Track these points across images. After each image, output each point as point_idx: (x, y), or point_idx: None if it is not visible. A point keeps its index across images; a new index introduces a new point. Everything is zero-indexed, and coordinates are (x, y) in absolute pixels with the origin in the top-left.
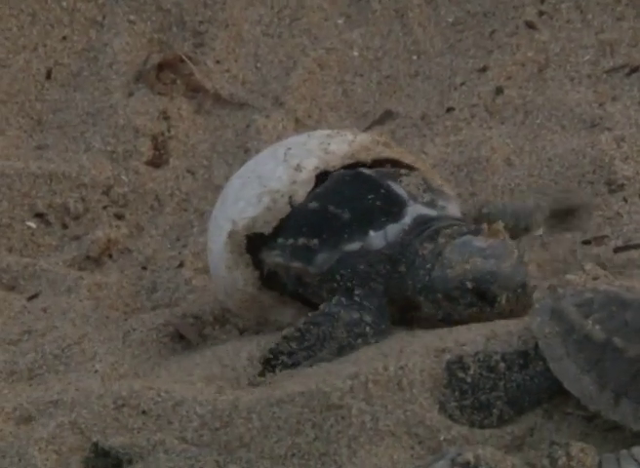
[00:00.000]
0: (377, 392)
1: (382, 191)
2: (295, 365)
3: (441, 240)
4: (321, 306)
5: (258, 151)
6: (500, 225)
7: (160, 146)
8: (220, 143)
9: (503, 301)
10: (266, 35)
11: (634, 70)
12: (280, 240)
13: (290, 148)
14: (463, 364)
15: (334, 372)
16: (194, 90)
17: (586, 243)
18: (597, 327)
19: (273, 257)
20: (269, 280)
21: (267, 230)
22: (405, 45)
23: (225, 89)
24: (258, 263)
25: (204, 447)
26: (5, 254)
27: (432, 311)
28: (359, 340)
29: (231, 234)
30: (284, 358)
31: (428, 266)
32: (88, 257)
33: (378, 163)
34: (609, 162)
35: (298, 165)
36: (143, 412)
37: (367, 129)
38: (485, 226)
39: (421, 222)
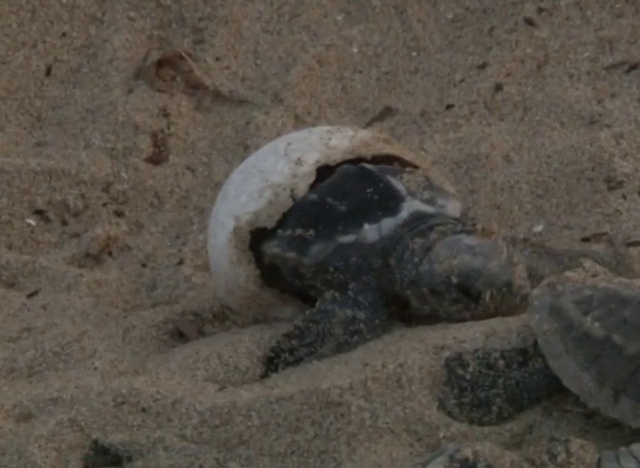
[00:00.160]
0: (376, 389)
1: (381, 185)
2: (297, 361)
3: (433, 236)
4: (317, 303)
5: (257, 148)
6: (494, 227)
7: (160, 143)
8: (219, 140)
9: (487, 299)
10: (266, 32)
11: (633, 67)
12: (279, 231)
13: (290, 143)
14: (463, 361)
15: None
16: (194, 86)
17: (586, 240)
18: (596, 324)
19: (271, 248)
20: (270, 276)
21: (271, 224)
22: (404, 41)
23: (225, 85)
24: (259, 260)
25: (203, 444)
26: (4, 251)
27: (419, 306)
28: (355, 338)
29: (236, 229)
30: (286, 355)
31: (416, 260)
32: (87, 255)
33: (378, 159)
34: (608, 159)
35: (298, 159)
36: (143, 410)
37: (366, 125)
38: (479, 226)
39: (417, 218)
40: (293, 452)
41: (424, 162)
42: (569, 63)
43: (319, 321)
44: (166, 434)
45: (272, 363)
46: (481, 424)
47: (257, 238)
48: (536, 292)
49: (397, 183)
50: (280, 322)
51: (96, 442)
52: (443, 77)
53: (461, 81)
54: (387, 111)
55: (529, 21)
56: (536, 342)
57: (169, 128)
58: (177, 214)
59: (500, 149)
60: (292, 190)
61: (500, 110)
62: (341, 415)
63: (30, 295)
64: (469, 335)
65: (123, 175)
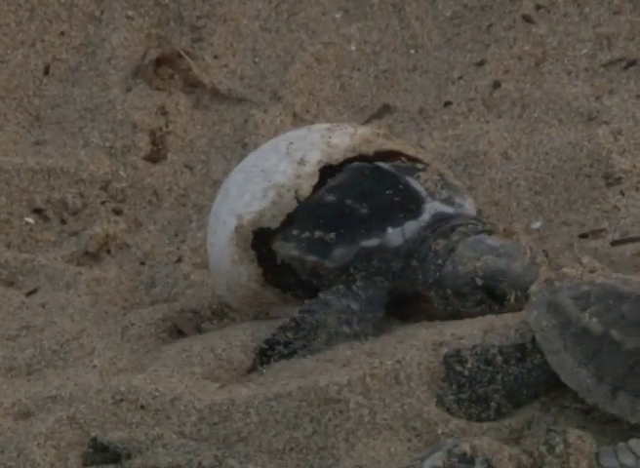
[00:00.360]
0: (374, 385)
1: (401, 187)
2: (291, 354)
3: (455, 237)
4: (319, 294)
5: (256, 146)
6: (516, 227)
7: (158, 141)
8: (218, 138)
9: (513, 300)
10: (264, 30)
11: (631, 64)
12: (295, 231)
13: (292, 142)
14: (461, 357)
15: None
16: (192, 85)
17: (584, 236)
18: (594, 320)
19: (288, 250)
20: (272, 276)
21: (275, 225)
22: (402, 39)
23: (223, 84)
24: (261, 259)
25: (202, 441)
26: (3, 250)
27: (441, 306)
28: (344, 327)
29: (238, 228)
30: (280, 348)
31: (440, 262)
32: (86, 253)
33: (379, 155)
34: (606, 155)
35: (301, 159)
36: (142, 407)
37: (365, 123)
38: (501, 227)
39: (439, 220)
40: (291, 449)
41: (426, 156)
42: (567, 60)
43: (315, 311)
44: (165, 431)
45: (265, 355)
46: (479, 420)
47: (264, 237)
48: (533, 288)
49: (416, 184)
50: (278, 319)
51: (95, 439)
52: (441, 74)
53: (459, 78)
54: (386, 109)
55: (527, 19)
56: (534, 338)
57: (167, 126)
58: (175, 212)
59: (499, 146)
60: (296, 191)
61: (499, 107)
62: (340, 412)
63: (29, 294)
64: (467, 332)
65: (121, 173)
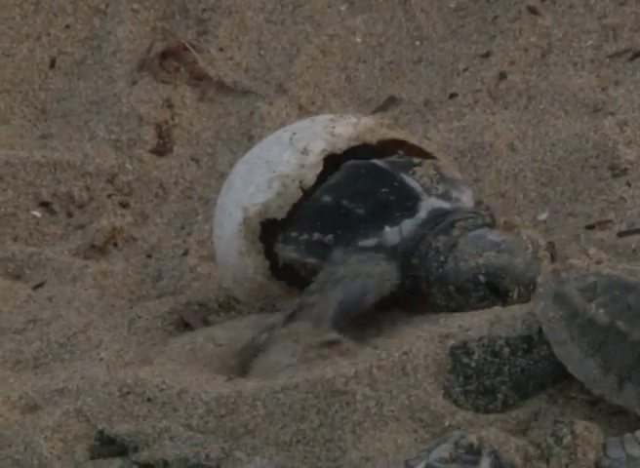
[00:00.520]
0: (381, 377)
1: (396, 184)
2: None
3: (455, 232)
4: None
5: (261, 138)
6: (516, 220)
7: (164, 134)
8: (223, 131)
9: (515, 296)
10: (269, 22)
11: (637, 55)
12: (294, 234)
13: (295, 133)
14: (468, 349)
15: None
16: (198, 78)
17: (590, 227)
18: (601, 310)
19: (288, 252)
20: (280, 270)
21: (281, 215)
22: (408, 31)
23: (229, 76)
24: (268, 252)
25: (209, 433)
26: (10, 244)
27: (444, 303)
28: (375, 263)
29: (246, 220)
30: (308, 309)
31: (442, 259)
32: (93, 246)
33: (383, 144)
34: (612, 146)
35: (304, 148)
36: (149, 400)
37: (370, 115)
38: (501, 219)
39: (436, 216)
40: (298, 441)
41: (429, 146)
42: (572, 51)
43: (335, 271)
44: (172, 424)
45: (294, 316)
46: (486, 412)
47: (270, 229)
48: (540, 279)
49: (411, 181)
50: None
51: (102, 432)
52: (447, 66)
53: (465, 70)
54: (391, 101)
55: (532, 10)
56: (540, 330)
57: (173, 119)
58: (181, 205)
59: (505, 138)
60: (300, 181)
61: (504, 99)
62: (347, 404)
63: (36, 287)
64: (474, 323)
65: (128, 166)
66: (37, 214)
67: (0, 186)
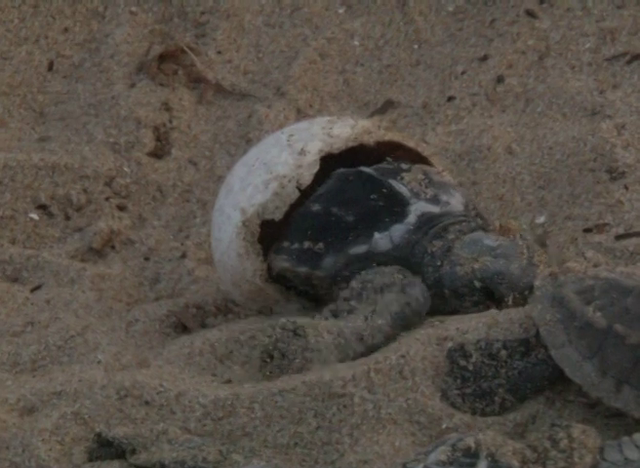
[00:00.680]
0: (379, 380)
1: (384, 190)
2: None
3: (450, 236)
4: (362, 272)
5: (260, 141)
6: (512, 223)
7: (162, 137)
8: (222, 134)
9: (510, 302)
10: (268, 25)
11: (635, 58)
12: (285, 244)
13: (292, 134)
14: (465, 351)
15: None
16: (196, 80)
17: (588, 231)
18: (598, 313)
19: (280, 262)
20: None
21: (278, 216)
22: (406, 34)
23: (227, 79)
24: (267, 255)
25: (207, 436)
26: (8, 246)
27: (440, 306)
28: (415, 277)
29: (245, 222)
30: (345, 316)
31: (438, 263)
32: (91, 249)
33: (381, 146)
34: (610, 149)
35: (302, 149)
36: (146, 403)
37: (368, 118)
38: (497, 223)
39: (426, 220)
40: (296, 444)
41: (426, 149)
42: (570, 55)
43: (372, 279)
44: (169, 426)
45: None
46: (484, 414)
47: (268, 232)
48: (537, 282)
49: (400, 186)
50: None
51: (99, 435)
52: (444, 69)
53: (463, 73)
54: (389, 104)
55: (530, 13)
56: (538, 332)
57: (171, 122)
58: (179, 208)
59: (502, 141)
60: (297, 181)
61: (502, 102)
62: (344, 406)
63: (34, 290)
64: (472, 326)
65: (126, 169)
66: (35, 216)
67: None
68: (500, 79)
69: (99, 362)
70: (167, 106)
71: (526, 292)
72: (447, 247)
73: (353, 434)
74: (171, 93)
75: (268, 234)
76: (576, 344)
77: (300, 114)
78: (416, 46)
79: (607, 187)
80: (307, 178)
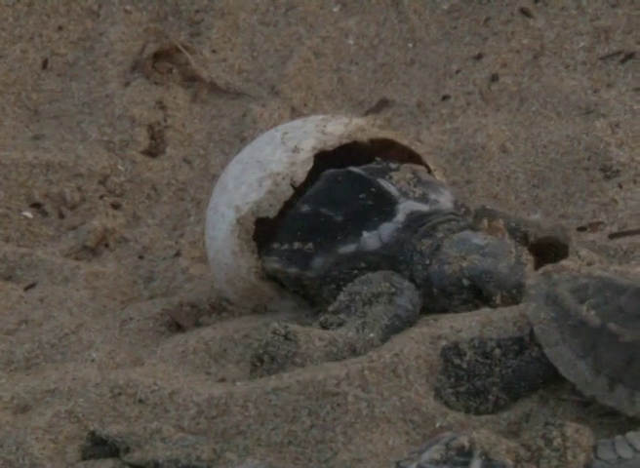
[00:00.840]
0: (372, 379)
1: (373, 190)
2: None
3: (439, 235)
4: (349, 284)
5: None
6: (500, 223)
7: (156, 136)
8: (216, 132)
9: (499, 300)
10: (262, 24)
11: (629, 57)
12: (276, 245)
13: (286, 132)
14: (459, 350)
15: None
16: (190, 79)
17: (582, 229)
18: (592, 312)
19: (271, 263)
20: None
21: (272, 214)
22: (400, 33)
23: (222, 78)
24: (260, 253)
25: (201, 434)
26: (2, 244)
27: (429, 305)
28: (404, 283)
29: (240, 219)
30: (334, 328)
31: (427, 261)
32: (85, 247)
33: (375, 144)
34: (604, 148)
35: (295, 147)
36: (140, 401)
37: (363, 116)
38: (485, 223)
39: (415, 219)
40: (290, 442)
41: (420, 147)
42: (565, 53)
43: (360, 291)
44: (163, 425)
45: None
46: (477, 413)
47: (262, 230)
48: (531, 280)
49: (388, 185)
50: (276, 313)
51: (93, 433)
52: (439, 68)
53: (457, 72)
54: (384, 102)
55: (525, 12)
56: (532, 331)
57: (165, 120)
58: (174, 207)
59: (497, 139)
60: (291, 178)
61: (497, 101)
62: (338, 405)
63: (28, 288)
64: (466, 324)
65: (120, 167)
66: (29, 214)
67: None
68: (494, 78)
69: (92, 360)
70: (161, 105)
71: (514, 291)
72: (436, 245)
73: (347, 432)
74: (165, 91)
75: (263, 232)
76: (569, 343)
77: (295, 113)
78: (410, 45)
79: (601, 186)
80: (301, 176)
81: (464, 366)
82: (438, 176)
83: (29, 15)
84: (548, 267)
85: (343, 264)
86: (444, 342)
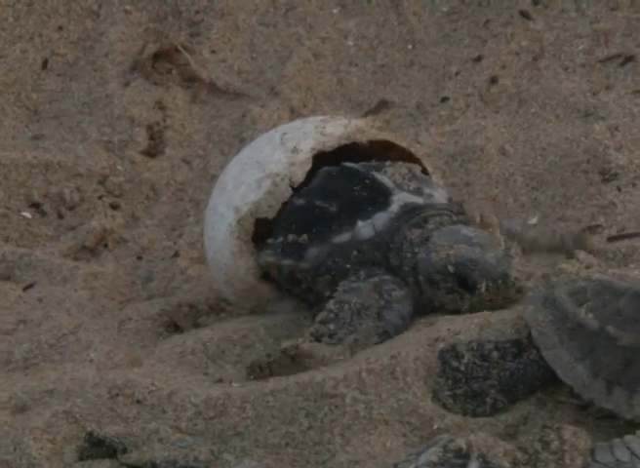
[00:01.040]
0: (370, 381)
1: (367, 182)
2: (338, 343)
3: (430, 226)
4: (339, 287)
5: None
6: (493, 219)
7: (156, 136)
8: (215, 133)
9: (483, 290)
10: (262, 25)
11: (628, 59)
12: (270, 240)
13: (286, 133)
14: (457, 352)
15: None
16: (190, 79)
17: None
18: (590, 315)
19: (265, 257)
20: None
21: (271, 214)
22: (400, 34)
23: (221, 78)
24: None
25: (198, 435)
26: (1, 244)
27: (416, 295)
28: (394, 294)
29: (240, 220)
30: (326, 339)
31: (415, 250)
32: (84, 247)
33: (374, 146)
34: (603, 151)
35: (295, 147)
36: (138, 402)
37: (362, 118)
38: (477, 217)
39: (409, 210)
40: (287, 444)
41: (419, 149)
42: (564, 56)
43: (349, 300)
44: (161, 426)
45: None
46: (475, 415)
47: (261, 231)
48: (530, 283)
49: (382, 177)
50: (274, 314)
51: (91, 433)
52: (438, 70)
53: (457, 74)
54: (383, 104)
55: (524, 14)
56: (530, 334)
57: (165, 121)
58: (172, 207)
59: (496, 142)
60: (290, 179)
61: (496, 103)
62: (336, 407)
63: (26, 288)
64: (464, 327)
65: (119, 167)
66: (28, 214)
67: None
68: (493, 80)
69: (91, 360)
70: (161, 105)
71: (499, 281)
72: (426, 235)
73: (345, 434)
74: (165, 92)
75: (261, 233)
76: (567, 345)
77: (294, 114)
78: (410, 46)
79: (600, 189)
80: (300, 176)
81: (462, 368)
82: (436, 178)
83: (29, 15)
84: (547, 270)
85: (337, 254)
86: (442, 345)
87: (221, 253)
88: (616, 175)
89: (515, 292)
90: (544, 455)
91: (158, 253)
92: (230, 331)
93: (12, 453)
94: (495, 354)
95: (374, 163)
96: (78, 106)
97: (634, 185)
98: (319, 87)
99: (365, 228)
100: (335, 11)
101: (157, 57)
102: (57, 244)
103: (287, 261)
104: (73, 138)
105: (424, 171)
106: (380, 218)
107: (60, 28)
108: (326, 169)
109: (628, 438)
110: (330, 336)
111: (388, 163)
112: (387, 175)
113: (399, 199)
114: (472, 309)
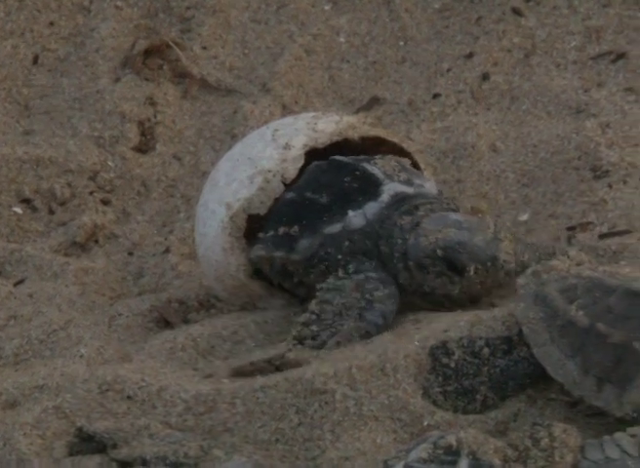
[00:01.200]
0: (360, 377)
1: (357, 173)
2: (322, 345)
3: (420, 213)
4: (323, 285)
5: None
6: (483, 206)
7: (147, 132)
8: (206, 129)
9: (472, 273)
10: (254, 21)
11: (620, 57)
12: (261, 234)
13: (277, 129)
14: (447, 349)
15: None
16: (181, 75)
17: (571, 229)
18: (581, 312)
19: (256, 251)
20: (260, 270)
21: (263, 211)
22: (392, 31)
23: (212, 75)
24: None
25: (188, 431)
26: None
27: (406, 282)
28: (376, 293)
29: (232, 216)
30: (309, 341)
31: (406, 236)
32: (74, 243)
33: (366, 142)
34: (594, 148)
35: (287, 143)
36: (128, 397)
37: (354, 114)
38: (469, 205)
39: (400, 199)
40: (277, 440)
41: (411, 145)
42: (556, 53)
43: (331, 299)
44: (151, 421)
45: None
46: (465, 412)
47: (252, 227)
48: (520, 280)
49: (372, 168)
50: (265, 311)
51: (80, 429)
52: (430, 66)
53: (449, 70)
54: (375, 100)
55: (516, 11)
56: (520, 331)
57: (156, 116)
58: (163, 203)
59: (487, 138)
60: (282, 175)
61: (487, 99)
62: (326, 403)
63: (17, 284)
64: (454, 324)
65: (110, 163)
66: (19, 210)
67: None
68: (485, 77)
69: (81, 356)
70: (152, 101)
71: (488, 264)
72: (416, 222)
73: (335, 430)
74: (156, 87)
75: (252, 229)
76: (558, 343)
77: (286, 110)
78: (401, 43)
79: (591, 186)
80: (292, 173)
81: (453, 365)
82: (428, 175)
83: (20, 10)
84: (537, 267)
85: (329, 244)
86: (432, 341)
87: (213, 249)
88: (607, 172)
89: (504, 274)
90: (534, 452)
91: (149, 249)
92: (220, 328)
93: (1, 449)
94: (485, 351)
95: (363, 157)
96: (69, 102)
97: (625, 182)
98: (311, 83)
99: (356, 218)
100: (326, 7)
101: (148, 52)
102: (47, 239)
103: (278, 253)
104: (64, 134)
105: (415, 165)
106: (372, 208)
107: (52, 24)
108: (315, 163)
109: (618, 435)
110: (313, 338)
111: (378, 156)
112: (377, 166)
113: (389, 189)
114: (462, 293)
